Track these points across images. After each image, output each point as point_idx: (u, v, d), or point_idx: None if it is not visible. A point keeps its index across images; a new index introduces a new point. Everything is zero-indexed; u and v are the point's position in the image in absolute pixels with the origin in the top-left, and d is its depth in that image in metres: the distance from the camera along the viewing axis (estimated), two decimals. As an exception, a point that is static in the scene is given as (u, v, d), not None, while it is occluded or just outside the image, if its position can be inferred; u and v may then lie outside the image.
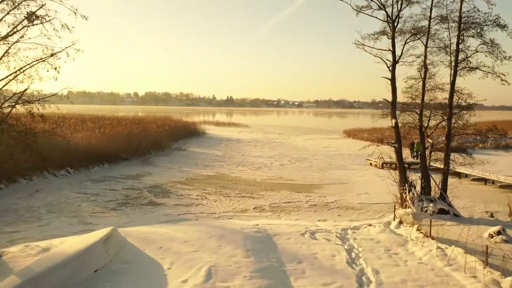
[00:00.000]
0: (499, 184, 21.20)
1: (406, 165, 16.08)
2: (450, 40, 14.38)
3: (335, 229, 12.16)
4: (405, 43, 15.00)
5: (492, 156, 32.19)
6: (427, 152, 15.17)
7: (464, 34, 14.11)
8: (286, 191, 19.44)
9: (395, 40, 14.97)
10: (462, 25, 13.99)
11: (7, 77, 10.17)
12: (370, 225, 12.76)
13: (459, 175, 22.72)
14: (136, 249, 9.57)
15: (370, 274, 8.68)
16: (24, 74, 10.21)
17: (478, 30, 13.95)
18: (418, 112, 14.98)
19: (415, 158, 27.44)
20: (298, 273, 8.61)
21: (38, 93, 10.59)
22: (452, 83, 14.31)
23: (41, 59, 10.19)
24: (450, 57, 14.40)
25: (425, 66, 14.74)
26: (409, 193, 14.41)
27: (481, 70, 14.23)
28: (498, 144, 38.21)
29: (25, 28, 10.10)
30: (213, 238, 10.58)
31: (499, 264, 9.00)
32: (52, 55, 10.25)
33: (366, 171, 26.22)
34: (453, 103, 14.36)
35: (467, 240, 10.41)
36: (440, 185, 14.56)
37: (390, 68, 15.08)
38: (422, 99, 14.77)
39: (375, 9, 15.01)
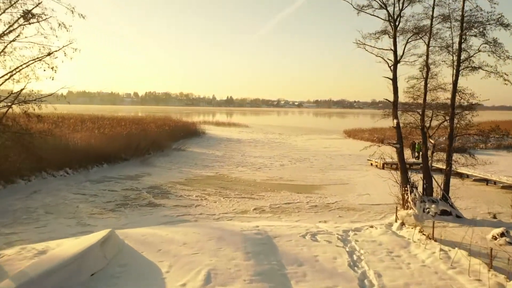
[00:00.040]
0: (501, 184, 21.03)
1: (407, 166, 15.91)
2: (452, 39, 14.24)
3: (336, 231, 11.99)
4: (407, 42, 14.86)
5: (494, 156, 32.02)
6: (429, 152, 15.00)
7: (467, 33, 13.96)
8: (286, 192, 19.27)
9: (397, 40, 14.83)
10: (464, 24, 13.84)
11: (3, 76, 9.99)
12: (371, 226, 12.59)
13: (460, 175, 22.53)
14: (134, 252, 9.40)
15: (373, 277, 8.52)
16: (21, 74, 10.03)
17: (481, 29, 13.79)
18: (420, 112, 14.82)
19: (417, 159, 27.31)
20: (299, 276, 8.44)
21: (35, 93, 10.40)
22: (455, 83, 14.15)
23: (37, 58, 10.03)
24: (453, 56, 14.25)
25: (427, 66, 14.58)
26: (410, 194, 14.27)
27: (483, 69, 14.08)
28: (499, 144, 38.03)
29: (22, 26, 9.93)
30: (213, 240, 10.41)
31: (504, 267, 8.83)
32: (49, 54, 10.08)
33: (367, 171, 26.06)
34: (455, 103, 14.19)
35: (470, 242, 10.27)
36: (442, 186, 14.40)
37: (392, 67, 14.93)
38: (424, 99, 14.61)
39: (376, 8, 14.90)
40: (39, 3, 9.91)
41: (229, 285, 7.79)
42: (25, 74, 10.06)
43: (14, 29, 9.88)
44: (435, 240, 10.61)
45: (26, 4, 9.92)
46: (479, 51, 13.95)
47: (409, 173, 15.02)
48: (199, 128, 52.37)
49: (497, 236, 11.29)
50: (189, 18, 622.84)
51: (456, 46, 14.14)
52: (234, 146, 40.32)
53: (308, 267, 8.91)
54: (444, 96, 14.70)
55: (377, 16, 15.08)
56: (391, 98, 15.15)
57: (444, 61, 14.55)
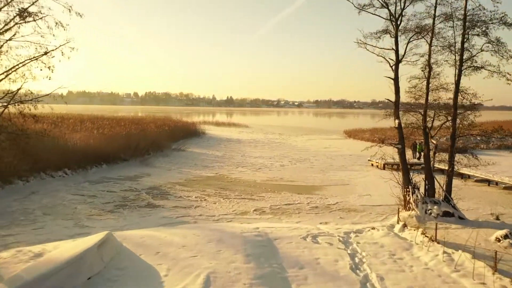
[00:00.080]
0: (503, 185, 20.87)
1: (408, 166, 15.75)
2: (454, 38, 14.08)
3: (337, 233, 11.83)
4: (409, 41, 14.71)
5: (495, 156, 31.80)
6: (431, 153, 14.85)
7: (469, 32, 13.81)
8: (286, 193, 19.11)
9: (398, 39, 14.69)
10: (467, 23, 13.68)
11: (-2, 75, 9.84)
12: (373, 228, 12.42)
13: (461, 176, 22.39)
14: (132, 255, 9.24)
15: (375, 280, 8.36)
16: (17, 73, 9.85)
17: (484, 29, 13.65)
18: (422, 113, 14.67)
19: (418, 159, 27.18)
20: (300, 279, 8.28)
21: (32, 93, 10.22)
22: (457, 83, 13.99)
23: (34, 57, 9.84)
24: (455, 56, 14.10)
25: (429, 65, 14.43)
26: (412, 195, 14.11)
27: (486, 69, 13.94)
28: (500, 144, 37.87)
29: (18, 25, 9.76)
30: (212, 243, 10.25)
31: (509, 269, 8.70)
32: (45, 53, 9.90)
33: (368, 172, 25.91)
34: (457, 103, 14.04)
35: (473, 244, 10.11)
36: (444, 187, 14.24)
37: (393, 67, 14.78)
38: (426, 99, 14.46)
39: (377, 7, 14.77)
40: (35, 1, 9.74)
41: (229, 289, 7.64)
42: (22, 73, 9.91)
43: (10, 28, 9.73)
44: (438, 242, 10.46)
45: (22, 2, 9.78)
46: (482, 50, 13.81)
47: (411, 173, 14.86)
48: (199, 128, 52.19)
49: (500, 238, 11.15)
50: (189, 18, 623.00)
51: (458, 45, 13.98)
52: (234, 146, 40.17)
53: (309, 270, 8.75)
54: (446, 96, 14.58)
55: (379, 15, 14.95)
56: (393, 98, 15.01)
57: (447, 60, 14.42)
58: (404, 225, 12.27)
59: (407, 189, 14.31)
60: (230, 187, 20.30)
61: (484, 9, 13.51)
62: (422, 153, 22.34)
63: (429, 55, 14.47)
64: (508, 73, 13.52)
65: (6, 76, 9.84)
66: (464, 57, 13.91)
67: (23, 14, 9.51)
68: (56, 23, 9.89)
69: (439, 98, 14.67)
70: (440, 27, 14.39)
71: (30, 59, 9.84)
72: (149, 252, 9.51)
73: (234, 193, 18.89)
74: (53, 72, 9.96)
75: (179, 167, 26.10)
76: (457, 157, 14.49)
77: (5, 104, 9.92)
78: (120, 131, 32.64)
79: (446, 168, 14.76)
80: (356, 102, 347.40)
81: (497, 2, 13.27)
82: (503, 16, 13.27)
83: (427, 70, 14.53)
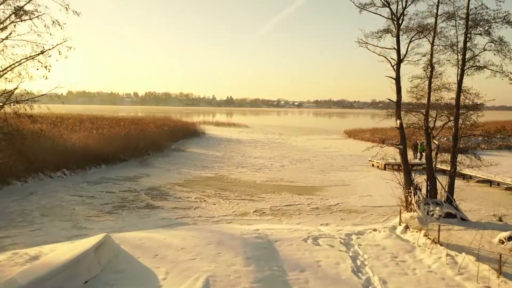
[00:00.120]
0: (505, 186, 20.71)
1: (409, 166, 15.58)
2: (457, 38, 13.92)
3: (338, 234, 11.67)
4: (410, 41, 14.55)
5: (496, 157, 31.59)
6: (433, 153, 14.68)
7: (472, 31, 13.64)
8: (287, 193, 18.96)
9: (400, 38, 14.52)
10: (469, 22, 13.51)
11: (-6, 75, 9.66)
12: (375, 230, 12.26)
13: (463, 176, 22.23)
14: (130, 257, 9.07)
15: (377, 284, 8.20)
16: (13, 72, 9.67)
17: (486, 28, 13.48)
18: (424, 113, 14.50)
19: (419, 159, 27.03)
20: (301, 283, 8.12)
21: (28, 93, 10.05)
22: (459, 83, 13.83)
23: (30, 56, 9.66)
24: (457, 55, 13.92)
25: (431, 65, 14.27)
26: (414, 196, 13.96)
27: (489, 69, 13.78)
28: (501, 144, 37.66)
29: (14, 24, 9.58)
30: (212, 245, 10.09)
31: (513, 273, 8.53)
32: (42, 52, 9.72)
33: (368, 172, 25.75)
34: (460, 103, 13.88)
35: (476, 246, 9.96)
36: (446, 188, 14.08)
37: (395, 67, 14.62)
38: (428, 99, 14.30)
39: (379, 6, 14.58)
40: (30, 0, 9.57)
41: (229, 293, 7.48)
42: (18, 73, 9.74)
43: (6, 27, 9.56)
44: (441, 244, 10.30)
45: (19, 0, 9.60)
46: (485, 50, 13.65)
47: (412, 174, 14.71)
48: (198, 128, 52.05)
49: (504, 240, 11.00)
50: (189, 18, 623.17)
51: (461, 45, 13.82)
52: (234, 146, 40.01)
53: (310, 273, 8.59)
54: (448, 96, 14.40)
55: (380, 15, 14.78)
56: (394, 98, 14.85)
57: (449, 60, 14.25)
58: (406, 227, 12.12)
59: (409, 190, 14.16)
60: (230, 187, 20.15)
61: (486, 8, 13.35)
62: (424, 154, 22.20)
63: (431, 55, 14.30)
64: (511, 73, 13.39)
65: (2, 75, 9.68)
66: (466, 57, 13.76)
67: (19, 12, 9.36)
68: (53, 22, 9.73)
69: (441, 98, 14.50)
70: (442, 26, 14.25)
71: (26, 58, 9.67)
72: (147, 254, 9.36)
73: (234, 194, 18.73)
74: (49, 72, 9.82)
75: (179, 168, 25.95)
76: (459, 157, 14.32)
77: (1, 104, 9.75)
78: (119, 131, 32.49)
79: (448, 168, 14.60)
80: (356, 102, 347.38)
81: (500, 1, 13.12)
82: (506, 15, 13.11)
83: (429, 69, 14.37)
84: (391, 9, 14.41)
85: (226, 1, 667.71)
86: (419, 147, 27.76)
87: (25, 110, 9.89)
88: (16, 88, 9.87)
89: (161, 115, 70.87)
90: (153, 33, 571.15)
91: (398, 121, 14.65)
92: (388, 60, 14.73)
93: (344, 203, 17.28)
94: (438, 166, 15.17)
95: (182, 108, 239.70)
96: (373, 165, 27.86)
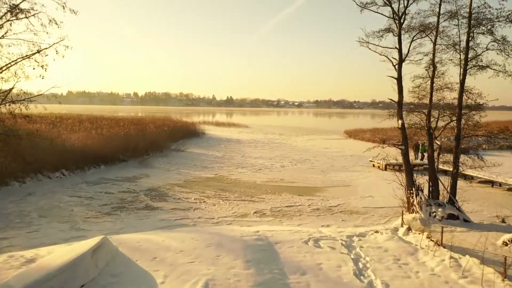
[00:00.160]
0: (507, 187, 20.55)
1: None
2: (459, 37, 13.73)
3: (340, 236, 11.51)
4: (412, 40, 14.37)
5: (497, 157, 31.48)
6: (435, 154, 14.52)
7: (474, 31, 13.47)
8: (287, 194, 18.80)
9: (402, 38, 14.34)
10: (472, 21, 13.35)
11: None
12: (376, 231, 12.10)
13: (465, 177, 22.03)
14: (128, 260, 8.91)
15: (380, 287, 8.05)
16: (9, 71, 9.50)
17: (489, 27, 13.31)
18: (426, 113, 14.34)
19: (421, 160, 26.88)
20: (302, 286, 7.96)
21: (25, 92, 9.88)
22: (462, 82, 13.66)
23: (26, 56, 9.48)
24: (460, 55, 13.75)
25: (433, 65, 14.10)
26: (416, 197, 13.79)
27: (491, 68, 13.60)
28: (502, 145, 37.49)
29: (9, 22, 9.41)
30: (211, 247, 9.93)
31: (518, 276, 8.37)
32: (38, 51, 9.55)
33: (369, 173, 25.58)
34: (462, 103, 13.72)
35: (480, 249, 9.80)
36: (449, 189, 13.92)
37: (396, 66, 14.45)
38: (430, 99, 14.13)
39: (380, 5, 14.40)
40: (26, -4, 9.40)
41: (228, 297, 7.32)
42: (14, 72, 9.57)
43: (1, 25, 9.37)
44: (444, 247, 10.14)
45: None
46: (487, 49, 13.47)
47: (414, 175, 14.54)
48: (198, 129, 51.89)
49: (508, 242, 10.82)
50: (189, 18, 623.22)
51: (463, 44, 13.65)
52: (234, 146, 39.85)
53: (311, 276, 8.44)
54: (451, 96, 14.23)
55: (381, 14, 14.61)
56: (395, 98, 14.67)
57: (451, 59, 14.07)
58: (409, 229, 11.96)
59: (411, 191, 13.99)
60: (229, 188, 19.99)
61: (489, 6, 13.16)
62: (426, 154, 22.04)
63: (434, 54, 14.13)
64: (514, 73, 13.21)
65: (-2, 74, 9.53)
66: (469, 56, 13.59)
67: (15, 10, 9.19)
68: (50, 21, 9.56)
69: (443, 98, 14.33)
70: (445, 25, 14.06)
71: (22, 57, 9.49)
72: (145, 257, 9.20)
73: (234, 194, 18.57)
74: (46, 71, 9.65)
75: (178, 168, 25.79)
76: (462, 158, 14.16)
77: (-3, 104, 9.59)
78: (119, 131, 32.33)
79: (450, 169, 14.43)
80: (356, 102, 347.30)
81: (503, 0, 12.96)
82: (509, 14, 12.92)
83: (431, 69, 14.19)
84: (392, 8, 14.25)
85: (226, 1, 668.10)
86: (420, 147, 27.60)
87: (21, 110, 9.71)
88: (12, 88, 9.70)
89: (161, 115, 70.72)
90: (153, 33, 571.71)
91: (400, 122, 14.48)
92: (390, 60, 14.58)
93: (345, 204, 17.13)
94: (440, 166, 15.00)
95: (182, 108, 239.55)
96: (373, 165, 27.69)
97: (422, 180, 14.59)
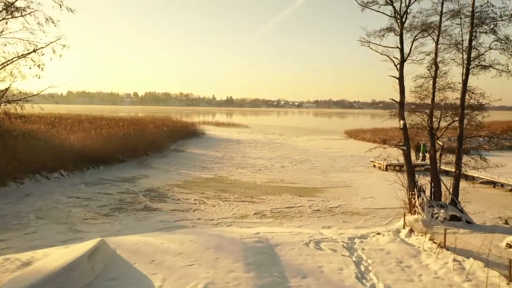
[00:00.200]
0: (509, 187, 20.38)
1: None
2: (462, 36, 13.58)
3: (341, 238, 11.35)
4: (414, 39, 14.22)
5: (498, 157, 31.26)
6: (437, 154, 14.36)
7: (477, 30, 13.31)
8: (287, 195, 18.63)
9: (403, 37, 14.18)
10: (475, 20, 13.18)
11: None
12: (378, 233, 11.94)
13: (466, 178, 21.87)
14: (125, 263, 8.74)
15: (383, 291, 7.89)
16: (5, 71, 9.32)
17: (492, 26, 13.16)
18: (428, 113, 14.18)
19: (422, 160, 26.73)
20: (303, 290, 7.81)
21: (21, 92, 9.70)
22: (464, 82, 13.51)
23: (22, 55, 9.31)
24: (462, 54, 13.59)
25: (435, 64, 13.94)
26: (418, 198, 13.63)
27: (494, 68, 13.46)
28: (504, 145, 37.29)
29: (5, 21, 9.23)
30: (211, 250, 9.76)
31: (523, 279, 8.21)
32: (34, 50, 9.38)
33: (370, 173, 25.42)
34: (465, 103, 13.55)
35: (484, 251, 9.64)
36: (451, 190, 13.76)
37: (398, 66, 14.29)
38: (432, 99, 13.97)
39: (382, 4, 14.26)
40: (22, -5, 9.23)
41: (228, 301, 7.16)
42: (9, 72, 9.40)
43: (-3, 24, 9.23)
44: (447, 249, 9.99)
45: None
46: (490, 48, 13.32)
47: (416, 175, 14.38)
48: (198, 129, 51.73)
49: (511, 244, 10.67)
50: (189, 18, 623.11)
51: (466, 43, 13.48)
52: (234, 147, 39.68)
53: (312, 280, 8.28)
54: (453, 96, 14.06)
55: (383, 13, 14.45)
56: (396, 98, 14.53)
57: (454, 59, 13.90)
58: (411, 230, 11.80)
59: (413, 192, 13.83)
60: (229, 189, 19.83)
61: (492, 5, 13.01)
62: (427, 155, 21.88)
63: (436, 54, 13.97)
64: (517, 72, 13.06)
65: (-8, 74, 9.36)
66: (471, 56, 13.43)
67: (10, 8, 9.02)
68: (46, 19, 9.39)
69: (446, 98, 14.18)
70: (447, 24, 13.91)
71: (18, 56, 9.33)
72: (144, 260, 9.03)
73: (233, 195, 18.41)
74: (43, 71, 9.49)
75: (178, 168, 25.62)
76: (465, 159, 14.00)
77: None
78: (118, 131, 32.16)
79: (452, 170, 14.28)
80: (356, 102, 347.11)
81: (506, -1, 12.79)
82: (513, 13, 12.78)
83: (433, 69, 14.04)
84: (394, 7, 14.10)
85: (226, 1, 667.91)
86: (421, 148, 27.44)
87: (16, 110, 9.53)
88: (8, 88, 9.52)
89: (160, 115, 70.52)
90: (153, 33, 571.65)
91: (402, 122, 14.32)
92: (391, 59, 14.44)
93: (346, 205, 16.97)
94: (442, 167, 14.84)
95: (182, 108, 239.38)
96: (374, 166, 27.54)
97: (424, 181, 14.44)
